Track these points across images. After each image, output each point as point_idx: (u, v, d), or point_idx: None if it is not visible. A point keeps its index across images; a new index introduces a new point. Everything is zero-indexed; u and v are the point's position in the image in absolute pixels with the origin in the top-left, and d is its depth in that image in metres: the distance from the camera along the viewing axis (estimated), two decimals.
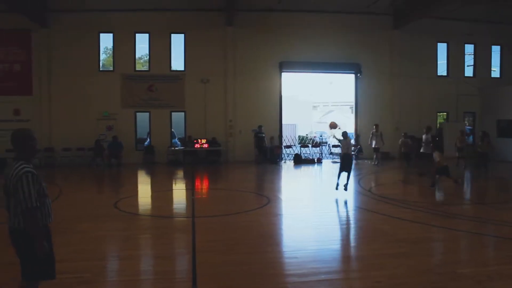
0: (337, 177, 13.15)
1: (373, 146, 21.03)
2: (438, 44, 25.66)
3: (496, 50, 26.49)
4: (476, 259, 7.18)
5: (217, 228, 8.90)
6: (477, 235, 8.60)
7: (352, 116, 26.38)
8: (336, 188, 12.88)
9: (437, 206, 11.82)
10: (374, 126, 21.07)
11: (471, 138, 25.80)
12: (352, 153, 14.46)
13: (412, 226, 9.30)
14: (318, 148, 25.08)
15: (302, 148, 26.04)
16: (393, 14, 24.22)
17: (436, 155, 13.68)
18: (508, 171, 19.42)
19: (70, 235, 8.09)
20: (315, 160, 23.47)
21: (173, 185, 16.74)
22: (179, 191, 14.88)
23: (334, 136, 14.04)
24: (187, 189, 14.91)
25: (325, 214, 10.65)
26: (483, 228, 9.17)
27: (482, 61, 26.26)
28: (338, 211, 11.32)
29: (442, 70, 25.92)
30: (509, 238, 8.21)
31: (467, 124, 26.24)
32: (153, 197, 13.83)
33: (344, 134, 13.37)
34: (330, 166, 21.78)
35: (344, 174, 13.07)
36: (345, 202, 12.07)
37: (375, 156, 21.05)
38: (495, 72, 26.71)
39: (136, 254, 7.22)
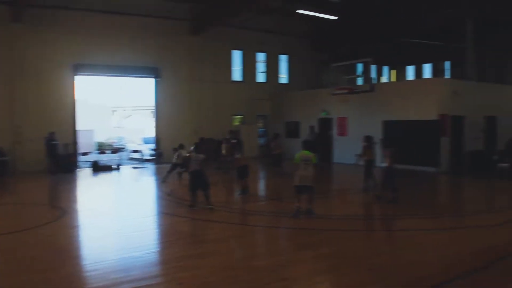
0: (191, 196, 11.52)
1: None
2: (233, 51, 27.49)
3: (283, 59, 29.68)
4: (270, 251, 7.91)
5: (6, 247, 8.03)
6: (272, 228, 9.42)
7: (153, 120, 26.32)
8: (194, 206, 11.36)
9: (236, 205, 12.59)
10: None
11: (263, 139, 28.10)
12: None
13: (213, 226, 9.75)
14: (117, 154, 24.47)
15: (100, 155, 25.05)
16: (191, 20, 24.83)
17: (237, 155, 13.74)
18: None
19: None
20: (114, 166, 22.69)
21: None
22: None
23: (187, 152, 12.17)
24: None
25: (125, 222, 10.47)
26: (276, 221, 10.08)
27: (272, 68, 29.07)
28: (139, 217, 11.16)
29: (237, 75, 27.74)
30: (298, 228, 9.22)
31: (260, 126, 28.46)
32: None
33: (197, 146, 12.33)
34: (130, 172, 21.39)
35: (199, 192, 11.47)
36: (146, 208, 11.99)
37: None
38: (283, 78, 29.76)
39: None
